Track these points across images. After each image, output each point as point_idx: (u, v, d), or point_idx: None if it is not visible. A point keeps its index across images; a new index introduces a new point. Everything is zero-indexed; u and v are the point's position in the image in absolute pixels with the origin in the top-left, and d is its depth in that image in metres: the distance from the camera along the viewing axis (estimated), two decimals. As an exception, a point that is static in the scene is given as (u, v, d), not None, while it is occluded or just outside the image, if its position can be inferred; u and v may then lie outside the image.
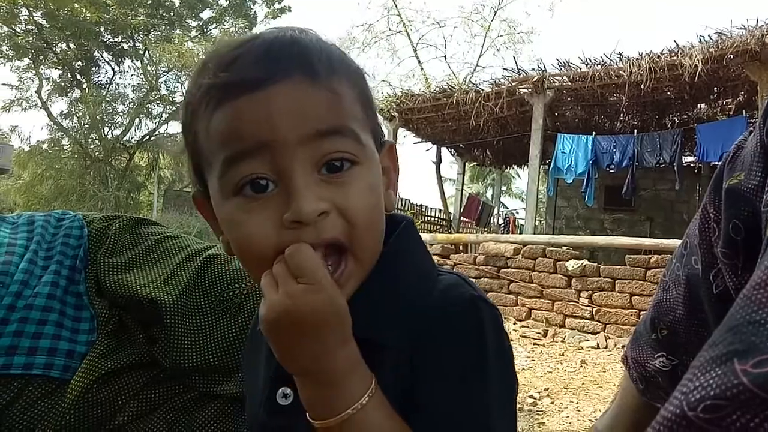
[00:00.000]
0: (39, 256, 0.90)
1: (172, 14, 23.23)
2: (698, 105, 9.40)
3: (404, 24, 18.46)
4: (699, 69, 7.14)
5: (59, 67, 22.68)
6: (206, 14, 24.25)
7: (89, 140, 22.33)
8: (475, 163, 13.83)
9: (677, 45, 7.56)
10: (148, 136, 23.08)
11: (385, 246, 0.54)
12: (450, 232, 11.67)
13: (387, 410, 0.47)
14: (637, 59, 7.76)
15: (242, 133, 0.48)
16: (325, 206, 0.48)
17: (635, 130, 9.07)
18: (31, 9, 19.93)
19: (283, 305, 0.46)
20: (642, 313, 5.85)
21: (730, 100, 8.92)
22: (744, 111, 8.13)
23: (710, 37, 7.29)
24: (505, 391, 0.51)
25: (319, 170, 0.49)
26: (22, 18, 20.67)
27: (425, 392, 0.48)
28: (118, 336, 0.87)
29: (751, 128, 0.57)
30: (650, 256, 6.15)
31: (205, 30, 24.22)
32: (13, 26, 20.71)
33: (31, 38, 21.29)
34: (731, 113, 8.87)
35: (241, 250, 0.51)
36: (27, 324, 0.80)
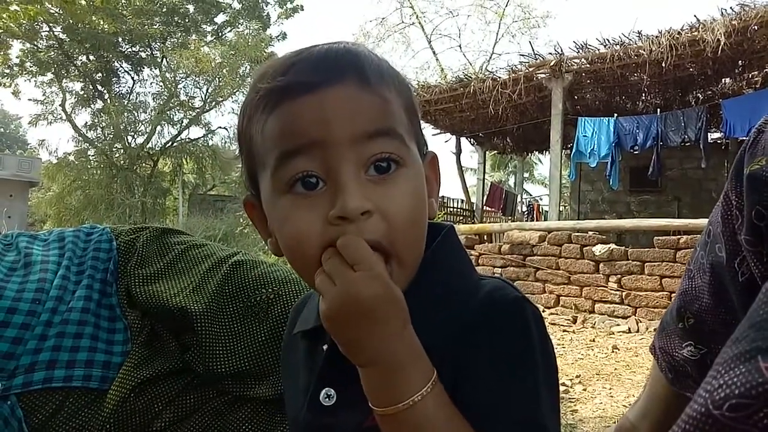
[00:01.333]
0: (71, 272, 0.92)
1: (187, 21, 23.50)
2: (723, 80, 9.15)
3: (417, 16, 18.36)
4: (722, 43, 6.95)
5: (81, 80, 23.16)
6: (220, 18, 24.47)
7: (114, 150, 22.78)
8: (495, 151, 13.71)
9: (698, 20, 7.37)
10: (170, 143, 23.43)
11: (427, 251, 0.56)
12: (473, 223, 11.60)
13: (448, 405, 0.48)
14: (656, 37, 7.59)
15: (297, 130, 0.51)
16: (369, 205, 0.50)
17: (658, 110, 8.88)
18: (51, 24, 20.36)
19: (343, 294, 0.47)
20: (673, 295, 5.72)
21: (756, 72, 8.65)
22: (771, 83, 7.91)
23: (732, 10, 7.09)
24: (553, 387, 0.51)
25: (367, 170, 0.51)
26: (43, 34, 21.14)
27: (474, 390, 0.49)
28: (152, 345, 0.89)
29: (771, 112, 0.56)
30: (679, 236, 6.03)
31: (220, 34, 24.45)
32: (35, 42, 21.19)
33: (52, 53, 21.76)
34: (758, 86, 8.61)
35: (290, 247, 0.53)
36: (64, 338, 0.83)
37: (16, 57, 21.70)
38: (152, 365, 0.86)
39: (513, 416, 0.47)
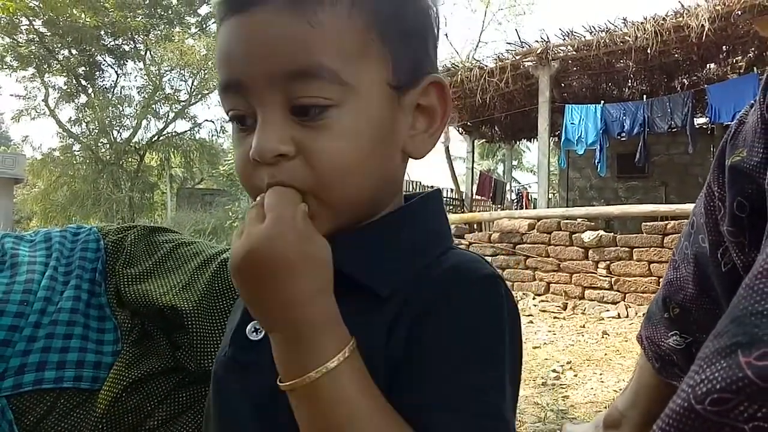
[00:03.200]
0: (59, 272, 0.92)
1: (170, 13, 23.20)
2: (707, 65, 9.21)
3: (403, 4, 18.26)
4: (706, 29, 6.99)
5: (64, 74, 22.82)
6: (204, 10, 24.16)
7: (99, 144, 22.53)
8: (483, 140, 13.73)
9: (682, 6, 7.40)
10: (156, 136, 23.22)
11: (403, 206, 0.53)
12: (463, 212, 11.64)
13: (363, 380, 0.42)
14: (642, 23, 7.61)
15: (224, 63, 0.48)
16: (285, 149, 0.45)
17: (644, 96, 8.93)
18: (31, 18, 20.00)
19: (242, 248, 0.43)
20: (662, 280, 5.79)
21: (740, 57, 8.72)
22: (755, 67, 7.97)
23: (716, -5, 7.13)
24: (516, 379, 0.47)
25: (292, 111, 0.46)
26: (23, 28, 20.77)
27: (429, 365, 0.43)
28: (142, 344, 0.89)
29: (752, 102, 0.56)
30: (667, 222, 6.10)
31: (204, 26, 24.16)
32: (14, 36, 20.82)
33: (33, 47, 21.41)
34: (742, 71, 8.69)
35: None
36: (54, 339, 0.82)
37: (-4, 52, 21.36)
38: (144, 364, 0.86)
39: (472, 409, 0.42)
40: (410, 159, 0.53)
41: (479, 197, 12.94)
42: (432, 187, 13.00)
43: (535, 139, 10.08)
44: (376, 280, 0.47)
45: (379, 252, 0.49)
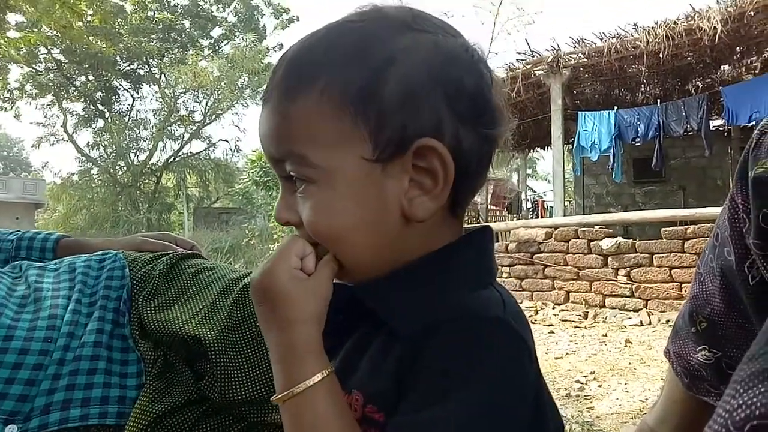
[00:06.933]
0: (83, 304, 0.91)
1: (183, 36, 23.64)
2: (722, 67, 9.12)
3: (412, 18, 18.34)
4: (719, 30, 6.93)
5: (81, 100, 23.33)
6: (216, 32, 24.60)
7: (117, 167, 22.92)
8: (497, 150, 13.67)
9: (693, 9, 7.35)
10: (172, 158, 23.54)
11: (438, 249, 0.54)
12: (479, 223, 11.58)
13: (337, 401, 0.49)
14: (653, 28, 7.57)
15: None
16: (287, 217, 0.54)
17: (658, 100, 8.85)
18: (50, 47, 20.50)
19: (254, 276, 0.52)
20: (683, 285, 5.75)
21: (755, 58, 8.62)
22: (771, 68, 7.87)
23: (727, -3, 7.07)
24: (499, 409, 0.45)
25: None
26: (41, 57, 21.29)
27: (404, 398, 0.47)
28: (166, 376, 0.88)
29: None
30: (687, 226, 6.00)
31: (217, 48, 24.58)
32: (33, 66, 21.33)
33: (52, 75, 21.93)
34: (757, 72, 8.58)
35: None
36: (78, 376, 0.82)
37: (16, 81, 21.87)
38: (167, 398, 0.85)
39: None
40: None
41: (494, 208, 12.87)
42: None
43: (549, 147, 10.03)
44: (395, 322, 0.51)
45: (399, 294, 0.52)
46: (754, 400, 0.29)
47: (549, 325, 5.90)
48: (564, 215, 8.60)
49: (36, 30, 17.06)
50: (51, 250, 1.16)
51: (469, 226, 0.59)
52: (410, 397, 0.46)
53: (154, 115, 24.46)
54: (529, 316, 6.14)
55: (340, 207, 0.51)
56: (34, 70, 21.58)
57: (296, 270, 0.51)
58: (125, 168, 22.87)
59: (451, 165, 0.50)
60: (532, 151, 14.32)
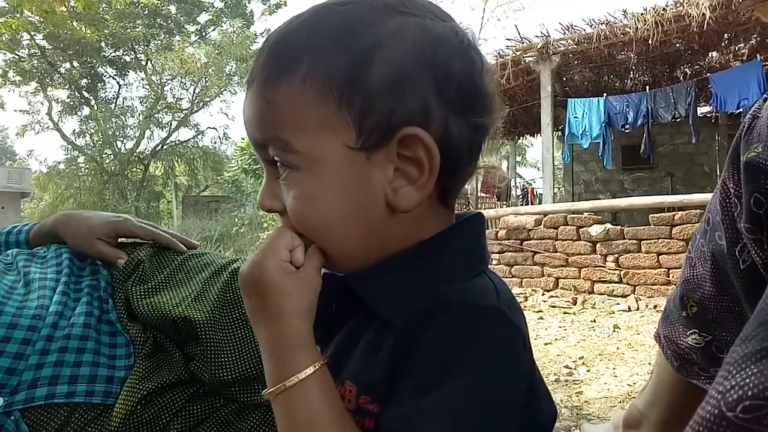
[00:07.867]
0: (70, 289, 0.93)
1: (169, 22, 23.30)
2: (709, 54, 9.15)
3: (401, 4, 18.25)
4: (707, 17, 6.95)
5: (66, 87, 22.97)
6: (203, 18, 24.27)
7: (104, 156, 22.68)
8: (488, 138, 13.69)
9: (682, -5, 7.37)
10: (160, 146, 23.32)
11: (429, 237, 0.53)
12: (468, 210, 11.61)
13: (329, 393, 0.48)
14: (642, 14, 7.58)
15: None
16: (270, 204, 0.53)
17: (647, 87, 8.88)
18: (33, 33, 20.13)
19: (243, 268, 0.52)
20: (671, 271, 5.82)
21: (742, 45, 8.66)
22: (758, 54, 7.90)
23: (716, -17, 7.08)
24: (496, 396, 0.45)
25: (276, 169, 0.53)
26: (24, 43, 20.91)
27: (400, 387, 0.46)
28: (155, 357, 0.89)
29: (766, 96, 0.55)
30: (674, 213, 6.05)
31: (204, 34, 24.27)
32: (16, 52, 20.96)
33: (35, 62, 21.56)
34: (745, 58, 8.63)
35: None
36: (66, 353, 0.83)
37: (-1, 67, 21.49)
38: (157, 377, 0.86)
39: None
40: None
41: (484, 195, 12.91)
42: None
43: (539, 135, 10.05)
44: (387, 312, 0.50)
45: (389, 283, 0.52)
46: (747, 381, 0.29)
47: (538, 312, 5.95)
48: (553, 202, 8.64)
49: (17, 15, 16.72)
50: (25, 243, 1.15)
51: (459, 212, 0.58)
52: (406, 385, 0.46)
53: (140, 102, 24.21)
54: (519, 303, 6.15)
55: (324, 196, 0.50)
56: (17, 57, 21.20)
57: (286, 263, 0.51)
58: (112, 156, 22.63)
59: (437, 154, 0.49)
60: (521, 138, 14.36)
